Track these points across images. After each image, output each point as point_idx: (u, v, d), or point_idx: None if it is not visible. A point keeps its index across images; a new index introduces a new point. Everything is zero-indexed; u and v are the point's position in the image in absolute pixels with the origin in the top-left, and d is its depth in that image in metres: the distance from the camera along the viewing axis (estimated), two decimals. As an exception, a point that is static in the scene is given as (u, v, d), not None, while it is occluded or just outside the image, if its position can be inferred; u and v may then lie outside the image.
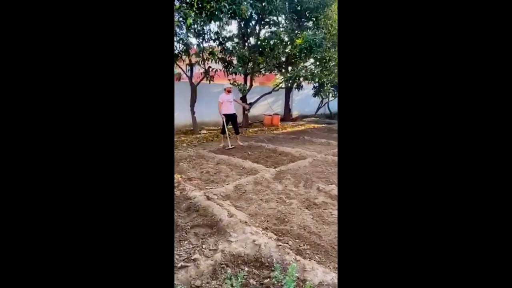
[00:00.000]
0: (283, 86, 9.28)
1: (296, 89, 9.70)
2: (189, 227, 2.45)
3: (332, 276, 1.73)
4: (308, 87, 10.54)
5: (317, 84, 9.16)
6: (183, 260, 1.95)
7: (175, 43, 6.09)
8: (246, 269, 1.88)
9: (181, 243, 2.18)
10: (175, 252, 2.05)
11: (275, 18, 7.76)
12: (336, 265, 1.94)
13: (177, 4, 5.12)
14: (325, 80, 7.83)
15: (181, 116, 7.48)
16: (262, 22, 7.69)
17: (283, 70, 8.98)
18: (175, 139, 6.45)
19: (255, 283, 1.74)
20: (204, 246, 2.12)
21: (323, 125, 9.75)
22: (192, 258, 1.93)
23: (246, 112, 8.42)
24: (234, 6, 5.35)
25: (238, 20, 6.88)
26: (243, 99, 8.07)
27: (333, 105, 12.70)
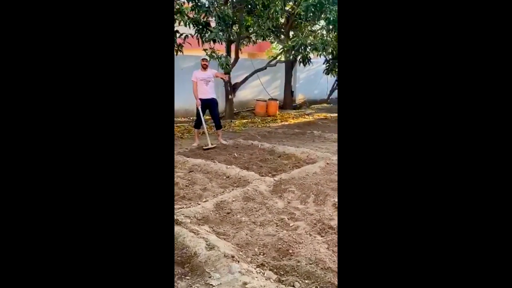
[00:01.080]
0: (283, 59, 9.25)
1: (301, 64, 9.67)
2: (149, 265, 2.39)
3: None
4: (317, 61, 10.56)
5: (330, 57, 9.15)
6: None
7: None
8: (234, 326, 1.83)
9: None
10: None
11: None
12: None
13: None
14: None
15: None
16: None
17: (283, 37, 8.95)
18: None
19: None
20: (172, 294, 2.07)
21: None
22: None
23: (230, 96, 8.36)
24: None
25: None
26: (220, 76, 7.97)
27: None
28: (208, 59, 5.81)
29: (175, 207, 3.27)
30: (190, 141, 6.05)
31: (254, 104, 9.71)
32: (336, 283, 2.20)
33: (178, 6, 6.45)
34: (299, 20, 7.96)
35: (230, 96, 8.45)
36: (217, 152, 5.37)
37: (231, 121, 8.18)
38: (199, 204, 3.30)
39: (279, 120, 8.79)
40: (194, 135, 5.94)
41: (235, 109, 9.14)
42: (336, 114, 9.70)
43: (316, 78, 12.22)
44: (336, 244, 2.66)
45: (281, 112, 9.79)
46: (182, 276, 2.25)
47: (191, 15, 6.87)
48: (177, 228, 2.74)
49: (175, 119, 8.23)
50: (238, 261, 2.32)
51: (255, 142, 5.90)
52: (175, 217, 2.93)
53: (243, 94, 9.88)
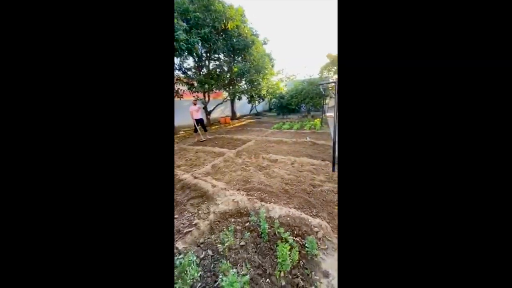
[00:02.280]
0: (229, 98, 8.73)
1: (238, 99, 9.23)
2: (186, 200, 2.03)
3: (284, 211, 1.65)
4: (244, 98, 10.20)
5: (249, 96, 8.90)
6: (187, 226, 1.58)
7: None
8: (232, 220, 1.64)
9: (183, 214, 1.78)
10: (180, 221, 1.65)
11: (216, 55, 6.99)
12: (284, 202, 1.88)
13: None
14: (253, 93, 7.65)
15: (163, 124, 6.31)
16: (209, 58, 6.82)
17: (227, 89, 8.40)
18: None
19: (240, 228, 1.54)
20: (200, 212, 1.78)
21: (255, 120, 9.71)
22: (193, 223, 1.59)
23: (208, 116, 7.63)
24: (189, 45, 4.51)
25: (194, 57, 5.92)
26: (205, 108, 7.27)
27: (259, 107, 12.76)
28: (197, 100, 5.14)
29: (192, 170, 2.85)
30: (192, 139, 5.39)
31: (219, 119, 9.08)
32: (271, 190, 2.12)
33: (177, 77, 5.52)
34: (234, 81, 7.47)
35: (208, 117, 7.71)
36: (207, 142, 4.87)
37: (210, 127, 7.52)
38: (204, 167, 2.92)
39: (231, 125, 8.32)
40: (194, 136, 5.30)
41: (211, 122, 8.41)
42: (254, 120, 9.57)
43: (244, 105, 11.86)
44: (267, 174, 2.57)
45: (231, 121, 9.33)
46: (203, 202, 1.96)
47: (185, 80, 5.97)
48: (196, 180, 2.38)
49: (185, 129, 7.30)
50: (228, 190, 2.10)
51: (223, 135, 5.50)
52: (194, 175, 2.55)
53: (213, 115, 9.14)
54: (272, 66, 8.54)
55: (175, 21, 3.99)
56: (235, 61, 7.17)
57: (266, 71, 7.22)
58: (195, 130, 5.11)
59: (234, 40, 6.28)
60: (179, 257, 1.20)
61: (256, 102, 11.28)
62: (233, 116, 10.25)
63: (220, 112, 9.66)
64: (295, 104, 8.74)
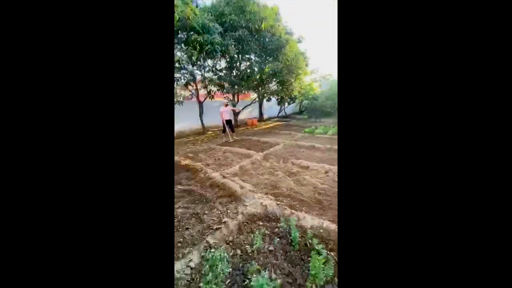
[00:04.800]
0: (257, 100, 8.99)
1: (267, 101, 9.37)
2: (215, 198, 2.21)
3: (317, 221, 1.62)
4: (273, 99, 10.31)
5: (279, 97, 8.98)
6: (216, 223, 1.73)
7: (186, 75, 5.49)
8: (261, 223, 1.71)
9: (212, 211, 1.95)
10: (210, 217, 1.82)
11: (248, 56, 7.34)
12: (317, 213, 1.84)
13: (182, 46, 4.53)
14: (283, 94, 7.65)
15: (194, 124, 6.99)
16: (241, 59, 7.22)
17: (256, 90, 8.67)
18: (192, 138, 5.98)
19: (268, 232, 1.58)
20: (228, 211, 1.91)
21: (283, 122, 9.64)
22: (223, 221, 1.72)
23: (236, 117, 8.02)
24: (223, 48, 4.92)
25: (226, 58, 6.39)
26: (233, 110, 7.67)
27: (288, 109, 12.65)
28: (227, 102, 5.50)
29: (221, 169, 3.06)
30: (221, 139, 5.76)
31: (247, 120, 9.41)
32: (301, 198, 2.10)
33: (210, 78, 6.02)
34: (264, 82, 7.66)
35: (235, 118, 8.11)
36: (234, 143, 5.12)
37: (237, 128, 7.89)
38: (231, 167, 3.09)
39: (258, 127, 8.53)
40: (222, 136, 5.65)
41: (238, 123, 8.78)
42: (282, 123, 9.52)
43: (272, 106, 11.98)
44: (297, 181, 2.56)
45: (258, 123, 9.54)
46: (231, 202, 2.09)
47: (217, 82, 6.49)
48: (225, 180, 2.55)
49: (213, 129, 7.86)
50: (256, 193, 2.18)
51: (250, 137, 5.68)
52: (222, 174, 2.74)
53: (241, 116, 9.53)
54: (306, 65, 8.41)
55: (211, 24, 4.41)
56: (267, 61, 7.38)
57: (300, 71, 7.17)
58: (224, 131, 5.46)
59: (267, 40, 6.50)
60: (211, 250, 1.33)
61: (286, 103, 11.27)
62: (261, 118, 10.46)
63: (248, 113, 10.00)
64: (330, 107, 8.30)
